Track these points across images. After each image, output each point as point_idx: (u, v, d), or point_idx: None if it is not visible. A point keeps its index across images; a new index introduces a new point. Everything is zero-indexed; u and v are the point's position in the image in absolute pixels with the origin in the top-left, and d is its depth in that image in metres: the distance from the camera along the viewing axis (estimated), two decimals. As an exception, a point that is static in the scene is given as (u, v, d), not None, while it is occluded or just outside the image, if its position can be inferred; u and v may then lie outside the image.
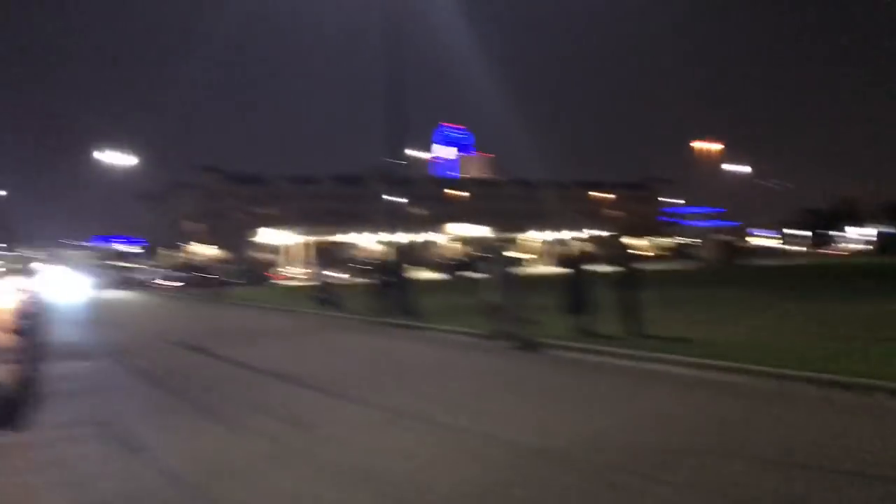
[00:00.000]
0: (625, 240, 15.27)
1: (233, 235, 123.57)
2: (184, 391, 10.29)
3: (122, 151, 63.87)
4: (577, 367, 11.38)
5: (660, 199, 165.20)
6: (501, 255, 15.12)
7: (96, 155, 63.79)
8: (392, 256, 24.24)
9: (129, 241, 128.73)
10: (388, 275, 21.58)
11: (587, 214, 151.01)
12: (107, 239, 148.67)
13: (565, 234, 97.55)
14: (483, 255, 15.76)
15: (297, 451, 6.70)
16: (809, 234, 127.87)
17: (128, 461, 6.55)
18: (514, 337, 13.72)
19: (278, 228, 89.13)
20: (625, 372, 10.68)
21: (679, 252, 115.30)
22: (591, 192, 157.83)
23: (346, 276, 64.95)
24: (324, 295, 25.32)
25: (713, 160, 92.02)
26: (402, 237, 22.72)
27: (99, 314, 27.75)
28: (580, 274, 14.86)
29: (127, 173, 67.69)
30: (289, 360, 13.09)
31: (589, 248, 16.88)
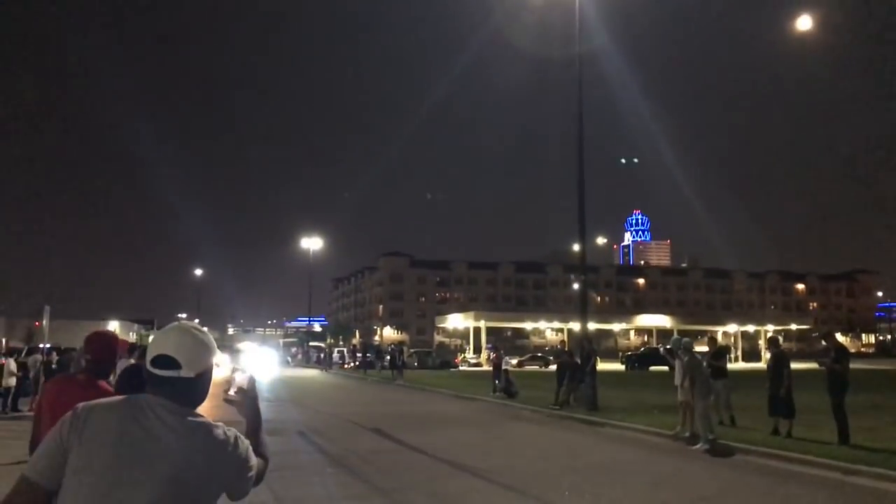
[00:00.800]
0: (838, 337, 13.98)
1: (416, 318, 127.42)
2: (364, 475, 10.38)
3: (313, 237, 68.17)
4: (772, 477, 10.33)
5: (867, 292, 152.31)
6: (687, 348, 14.31)
7: (300, 242, 68.47)
8: (573, 345, 23.72)
9: (316, 322, 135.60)
10: (570, 365, 21.03)
11: (787, 307, 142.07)
12: (297, 320, 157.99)
13: (759, 327, 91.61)
14: (669, 349, 14.96)
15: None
16: None
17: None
18: (703, 439, 12.79)
19: (460, 313, 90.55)
20: (829, 485, 9.56)
21: (885, 350, 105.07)
22: (789, 283, 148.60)
23: (525, 363, 64.65)
24: (501, 383, 25.13)
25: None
26: (583, 325, 22.10)
27: (287, 391, 29.20)
28: (783, 371, 13.78)
29: (318, 257, 71.90)
30: (467, 450, 12.92)
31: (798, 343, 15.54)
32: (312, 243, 68.02)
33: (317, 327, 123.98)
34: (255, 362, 40.90)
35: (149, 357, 2.12)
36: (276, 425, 17.26)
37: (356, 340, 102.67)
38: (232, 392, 2.41)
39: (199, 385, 2.13)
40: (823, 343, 14.91)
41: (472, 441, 14.25)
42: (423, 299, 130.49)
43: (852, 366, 13.13)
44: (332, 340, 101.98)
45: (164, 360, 2.09)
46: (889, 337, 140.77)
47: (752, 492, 9.46)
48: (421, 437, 14.37)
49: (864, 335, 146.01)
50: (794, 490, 9.48)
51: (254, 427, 2.41)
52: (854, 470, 10.17)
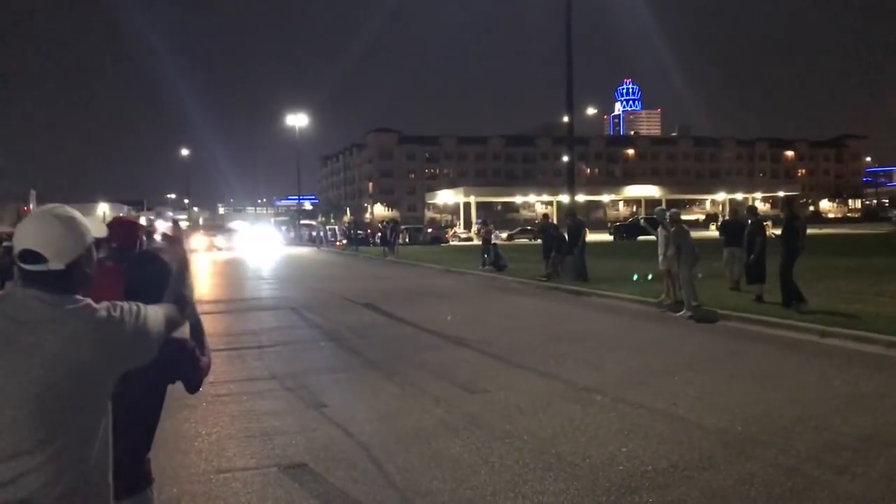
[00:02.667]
0: (795, 203, 14.04)
1: (406, 195, 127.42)
2: (357, 349, 10.70)
3: (301, 114, 67.11)
4: (754, 341, 10.70)
5: (856, 157, 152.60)
6: (673, 219, 14.46)
7: (286, 119, 67.45)
8: (559, 218, 23.87)
9: (306, 200, 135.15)
10: (558, 237, 21.24)
11: (775, 174, 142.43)
12: (287, 199, 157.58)
13: (747, 196, 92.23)
14: (653, 219, 15.09)
15: (468, 416, 6.76)
16: None
17: (313, 418, 6.88)
18: (688, 306, 13.14)
19: (449, 189, 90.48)
20: (805, 347, 9.93)
21: (871, 215, 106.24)
22: (778, 150, 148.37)
23: (515, 237, 65.27)
24: (491, 257, 25.45)
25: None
26: (571, 198, 22.19)
27: (281, 270, 29.60)
28: (757, 239, 14.00)
29: (305, 135, 71.13)
30: (457, 321, 13.26)
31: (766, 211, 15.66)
32: (299, 120, 67.03)
33: (307, 205, 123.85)
34: (255, 241, 42.10)
35: (15, 251, 1.99)
36: (270, 302, 17.62)
37: (347, 218, 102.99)
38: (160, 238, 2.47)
39: (72, 275, 2.01)
40: (781, 215, 15.03)
41: (461, 313, 14.60)
42: (413, 175, 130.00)
43: (838, 231, 13.32)
44: (323, 218, 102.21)
45: (30, 256, 1.97)
46: (875, 202, 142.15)
47: (729, 353, 9.82)
48: (412, 311, 14.71)
49: (850, 200, 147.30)
50: (771, 351, 9.84)
51: (178, 292, 2.35)
52: (830, 332, 10.51)
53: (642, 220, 62.10)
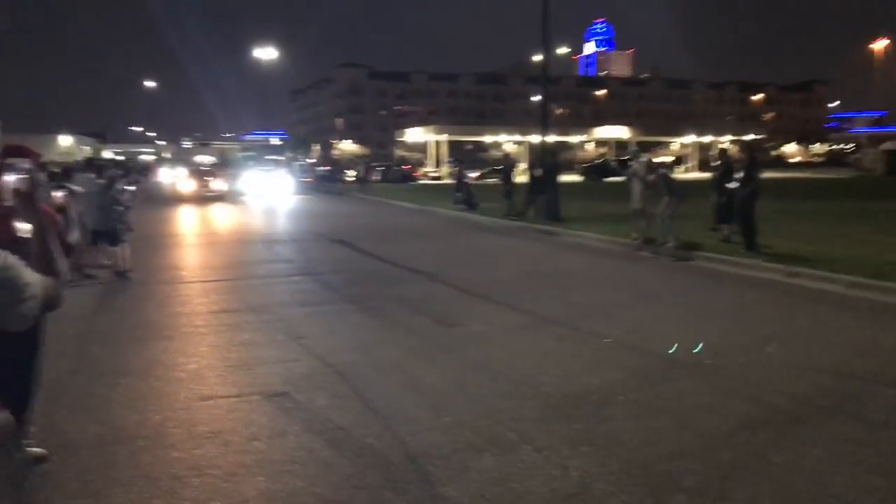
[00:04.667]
0: (756, 147, 14.21)
1: (376, 132, 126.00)
2: (333, 283, 10.76)
3: (270, 47, 65.62)
4: (720, 280, 10.96)
5: (823, 102, 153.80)
6: (646, 160, 14.62)
7: (254, 52, 65.87)
8: (533, 158, 23.89)
9: (274, 136, 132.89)
10: (532, 177, 21.29)
11: (743, 118, 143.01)
12: (254, 134, 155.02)
13: (716, 139, 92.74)
14: (626, 160, 15.21)
15: (443, 347, 6.90)
16: None
17: (291, 349, 6.96)
18: (659, 245, 13.36)
19: (420, 126, 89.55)
20: (776, 287, 10.21)
21: (834, 159, 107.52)
22: (747, 93, 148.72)
23: (485, 176, 65.12)
24: (463, 195, 25.47)
25: (884, 58, 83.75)
26: (543, 138, 22.18)
27: (251, 205, 29.37)
28: (726, 182, 14.18)
29: (274, 69, 69.69)
30: (431, 259, 13.35)
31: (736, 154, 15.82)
32: (268, 53, 65.54)
33: (275, 141, 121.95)
34: (264, 186, 34.66)
35: None
36: (241, 236, 17.57)
37: (316, 153, 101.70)
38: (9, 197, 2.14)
39: None
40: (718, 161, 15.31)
41: (435, 250, 14.69)
42: (384, 112, 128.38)
43: (801, 175, 13.51)
44: (291, 154, 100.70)
45: None
46: (840, 146, 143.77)
47: (697, 288, 10.06)
48: (386, 248, 14.76)
49: (816, 144, 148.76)
50: (739, 289, 10.10)
51: (40, 236, 2.13)
52: (795, 272, 10.79)
53: (614, 162, 62.67)
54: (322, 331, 7.69)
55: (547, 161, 20.71)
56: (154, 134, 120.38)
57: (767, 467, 4.20)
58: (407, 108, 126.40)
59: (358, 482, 4.03)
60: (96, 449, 4.52)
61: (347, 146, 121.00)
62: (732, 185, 13.49)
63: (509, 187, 22.00)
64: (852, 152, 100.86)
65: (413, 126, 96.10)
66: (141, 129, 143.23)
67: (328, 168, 54.48)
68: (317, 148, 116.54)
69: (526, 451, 4.45)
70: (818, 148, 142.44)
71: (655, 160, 15.08)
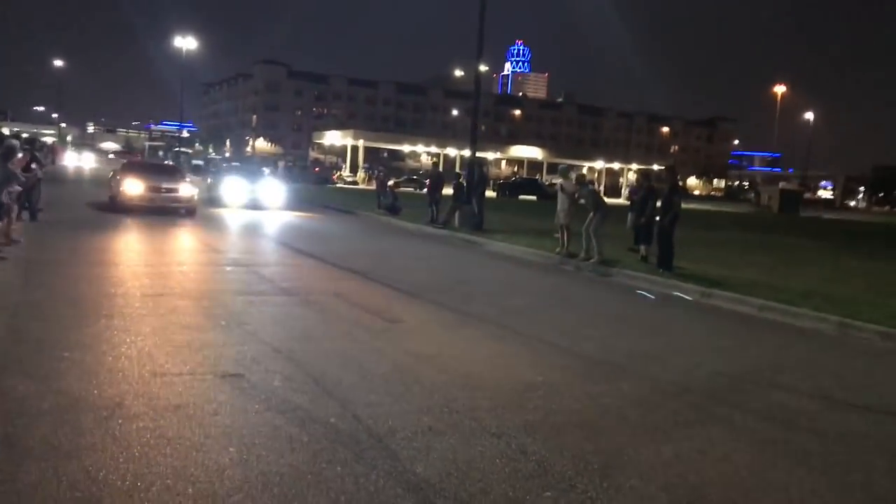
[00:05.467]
0: (675, 172, 15.02)
1: (292, 132, 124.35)
2: (269, 276, 10.74)
3: (187, 36, 64.06)
4: (634, 295, 11.53)
5: (725, 139, 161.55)
6: (575, 176, 15.25)
7: (174, 40, 64.10)
8: (452, 170, 24.23)
9: (185, 128, 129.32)
10: (458, 186, 21.61)
11: (650, 148, 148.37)
12: (164, 124, 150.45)
13: (624, 166, 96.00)
14: (564, 178, 15.76)
15: (390, 340, 7.06)
16: (872, 192, 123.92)
17: (236, 334, 6.97)
18: (581, 260, 13.90)
19: (338, 130, 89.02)
20: (689, 305, 10.84)
21: (731, 195, 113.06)
22: (655, 125, 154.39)
23: (401, 185, 65.37)
24: (387, 200, 25.62)
25: (784, 103, 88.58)
26: (457, 151, 22.59)
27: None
28: (649, 203, 14.88)
29: (189, 59, 67.91)
30: (362, 260, 13.46)
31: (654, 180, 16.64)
32: (186, 42, 63.93)
33: (185, 133, 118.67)
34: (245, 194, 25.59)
35: None
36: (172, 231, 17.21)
37: (227, 149, 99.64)
38: None
39: None
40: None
41: (366, 252, 14.80)
42: (300, 112, 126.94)
43: (703, 206, 14.26)
44: (201, 148, 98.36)
45: None
46: (738, 182, 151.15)
47: (618, 301, 10.58)
48: (318, 247, 14.79)
49: (716, 180, 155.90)
50: (655, 305, 10.68)
51: None
52: (709, 293, 11.45)
53: (560, 181, 64.80)
54: (264, 319, 7.73)
55: (476, 172, 21.08)
56: (57, 115, 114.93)
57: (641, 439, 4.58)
58: (325, 110, 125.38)
59: (329, 457, 4.16)
60: (59, 416, 4.48)
61: (261, 144, 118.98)
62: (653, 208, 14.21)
63: (436, 196, 22.29)
64: (749, 189, 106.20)
65: (331, 129, 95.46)
66: (43, 108, 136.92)
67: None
68: (228, 144, 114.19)
69: (485, 436, 4.69)
70: (719, 183, 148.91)
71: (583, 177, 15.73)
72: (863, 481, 4.45)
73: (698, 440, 4.93)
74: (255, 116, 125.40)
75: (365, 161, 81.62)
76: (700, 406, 5.73)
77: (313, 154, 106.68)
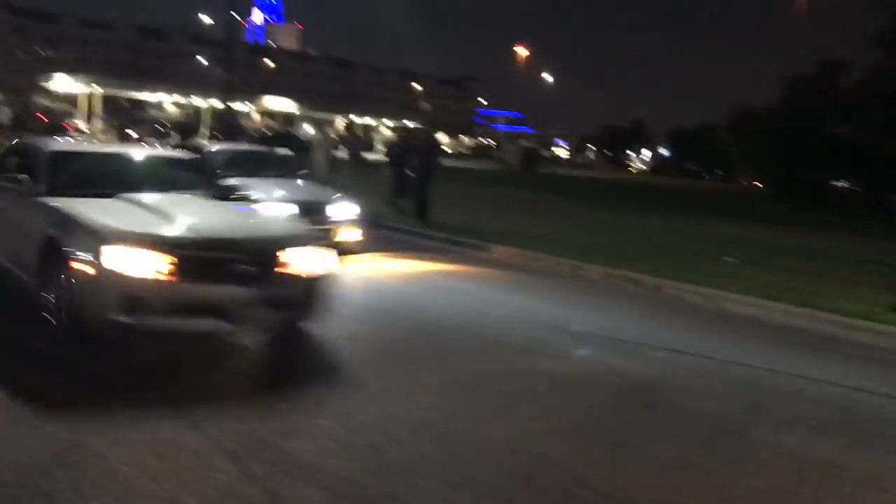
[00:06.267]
0: (433, 135, 16.14)
1: (12, 76, 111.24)
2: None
3: None
4: (399, 242, 12.49)
5: (473, 97, 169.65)
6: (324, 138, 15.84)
7: None
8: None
9: None
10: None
11: (403, 105, 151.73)
12: None
13: (377, 121, 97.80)
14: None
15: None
16: (601, 150, 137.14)
17: None
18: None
19: (70, 75, 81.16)
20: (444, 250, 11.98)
21: (481, 153, 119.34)
22: (407, 81, 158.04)
23: (145, 135, 61.56)
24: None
25: (525, 65, 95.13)
26: (205, 102, 22.17)
27: None
28: (403, 162, 15.86)
29: None
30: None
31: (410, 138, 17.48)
32: None
33: None
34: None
35: None
36: None
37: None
38: None
39: None
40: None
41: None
42: (24, 54, 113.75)
43: (454, 164, 15.40)
44: None
45: None
46: (488, 140, 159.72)
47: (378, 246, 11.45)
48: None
49: (465, 138, 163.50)
50: (415, 250, 11.69)
51: None
52: (458, 241, 12.69)
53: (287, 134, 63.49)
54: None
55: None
56: None
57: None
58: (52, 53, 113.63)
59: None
60: None
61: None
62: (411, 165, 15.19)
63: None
64: (498, 148, 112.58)
65: (61, 73, 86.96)
66: None
67: None
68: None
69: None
70: (468, 141, 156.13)
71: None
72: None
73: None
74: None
75: (103, 111, 75.58)
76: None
77: (41, 101, 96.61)
